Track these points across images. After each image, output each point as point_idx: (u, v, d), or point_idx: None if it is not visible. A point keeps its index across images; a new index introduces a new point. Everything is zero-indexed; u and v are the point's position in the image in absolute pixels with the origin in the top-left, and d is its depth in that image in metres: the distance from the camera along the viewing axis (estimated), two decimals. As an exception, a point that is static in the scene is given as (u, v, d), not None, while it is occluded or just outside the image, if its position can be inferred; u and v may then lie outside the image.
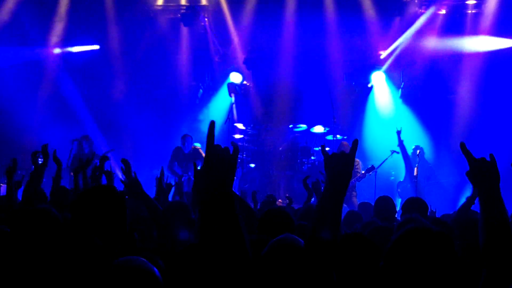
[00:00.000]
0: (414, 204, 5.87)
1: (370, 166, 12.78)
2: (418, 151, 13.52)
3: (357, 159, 12.52)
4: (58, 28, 15.50)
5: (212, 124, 2.48)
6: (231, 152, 2.47)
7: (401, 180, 14.29)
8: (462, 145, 2.84)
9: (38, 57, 15.38)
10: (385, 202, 6.34)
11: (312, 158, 14.17)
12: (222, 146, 2.46)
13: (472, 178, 2.76)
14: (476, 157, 2.77)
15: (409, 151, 14.09)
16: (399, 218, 8.18)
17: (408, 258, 2.40)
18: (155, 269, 2.55)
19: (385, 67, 15.47)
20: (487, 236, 2.65)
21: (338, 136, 13.75)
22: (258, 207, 8.06)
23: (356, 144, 2.68)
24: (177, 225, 4.60)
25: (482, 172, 2.73)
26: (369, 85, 15.59)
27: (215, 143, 2.47)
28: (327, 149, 2.83)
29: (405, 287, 2.38)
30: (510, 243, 2.60)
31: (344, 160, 2.64)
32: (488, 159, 2.77)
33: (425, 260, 2.38)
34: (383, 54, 15.51)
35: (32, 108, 14.79)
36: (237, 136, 14.85)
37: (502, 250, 2.60)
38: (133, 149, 14.97)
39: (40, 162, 5.68)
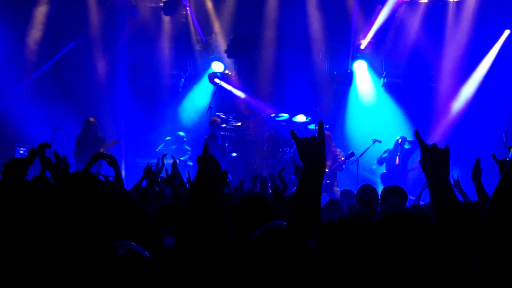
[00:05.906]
0: (394, 192, 5.90)
1: (349, 152, 12.79)
2: (399, 140, 13.52)
3: (338, 149, 12.55)
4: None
5: (206, 146, 2.83)
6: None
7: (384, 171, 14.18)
8: (416, 132, 3.02)
9: (19, 44, 15.18)
10: (368, 190, 6.36)
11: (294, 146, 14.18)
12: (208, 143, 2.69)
13: (423, 163, 2.90)
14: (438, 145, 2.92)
15: (392, 142, 14.01)
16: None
17: (386, 242, 2.44)
18: (146, 253, 2.52)
19: (366, 55, 15.48)
20: (438, 218, 2.77)
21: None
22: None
23: (321, 124, 2.83)
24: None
25: (432, 158, 2.87)
26: (350, 73, 15.56)
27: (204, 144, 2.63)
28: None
29: (385, 271, 2.39)
30: (458, 223, 2.75)
31: (314, 141, 2.78)
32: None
33: (403, 244, 2.41)
34: (365, 42, 15.50)
35: (14, 97, 14.64)
36: (219, 125, 14.80)
37: (453, 230, 2.74)
38: (116, 137, 14.90)
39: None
